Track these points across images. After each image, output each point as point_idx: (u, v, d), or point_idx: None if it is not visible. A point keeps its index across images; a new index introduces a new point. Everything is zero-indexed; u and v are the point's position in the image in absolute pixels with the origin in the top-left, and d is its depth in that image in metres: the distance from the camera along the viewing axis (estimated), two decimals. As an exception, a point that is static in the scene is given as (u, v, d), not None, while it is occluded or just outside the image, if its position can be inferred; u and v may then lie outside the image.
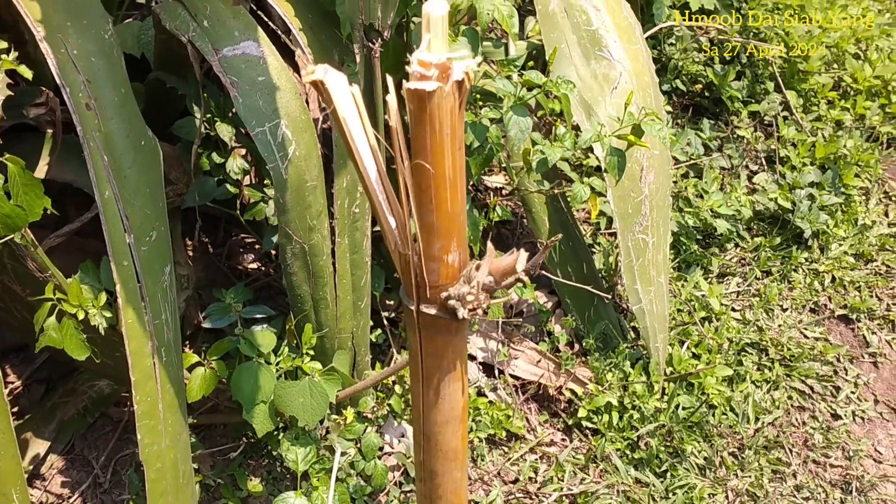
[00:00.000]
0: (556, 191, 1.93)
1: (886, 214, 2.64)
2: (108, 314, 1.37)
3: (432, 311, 0.57)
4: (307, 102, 1.70)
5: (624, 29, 2.05)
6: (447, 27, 0.54)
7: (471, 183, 2.07)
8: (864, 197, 2.66)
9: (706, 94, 2.90)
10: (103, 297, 1.37)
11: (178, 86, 1.70)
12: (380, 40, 1.13)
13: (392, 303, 2.03)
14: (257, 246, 2.22)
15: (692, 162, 2.63)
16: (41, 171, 1.75)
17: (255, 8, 1.62)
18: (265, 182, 1.72)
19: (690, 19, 2.87)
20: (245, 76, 1.45)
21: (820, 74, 2.86)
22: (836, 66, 2.96)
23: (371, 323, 1.86)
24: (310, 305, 1.68)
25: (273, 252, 1.79)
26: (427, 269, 0.55)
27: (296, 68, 1.71)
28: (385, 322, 1.98)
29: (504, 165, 1.91)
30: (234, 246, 2.24)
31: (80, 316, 1.33)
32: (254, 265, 2.24)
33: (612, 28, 2.02)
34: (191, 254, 2.15)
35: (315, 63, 1.50)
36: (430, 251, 0.54)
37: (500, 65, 1.87)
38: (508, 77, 1.83)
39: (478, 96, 1.80)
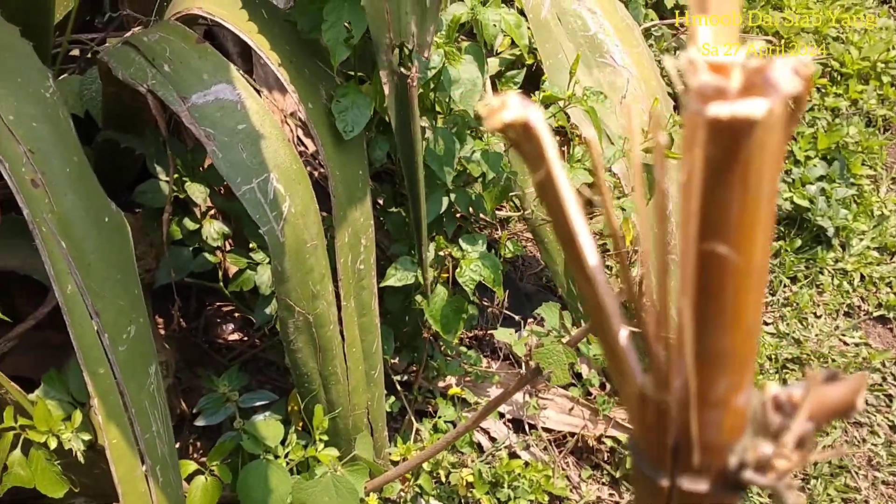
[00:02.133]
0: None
1: (900, 201, 2.48)
2: (86, 436, 1.10)
3: (702, 486, 0.35)
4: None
5: (623, 31, 1.85)
6: (740, 4, 0.31)
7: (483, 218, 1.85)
8: (874, 186, 2.50)
9: (690, 94, 2.72)
10: (78, 416, 1.11)
11: (135, 144, 1.45)
12: (416, 65, 0.90)
13: (402, 363, 1.79)
14: (237, 314, 1.96)
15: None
16: (-21, 260, 1.47)
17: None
18: (250, 245, 1.47)
19: (663, 18, 2.70)
20: (222, 126, 1.20)
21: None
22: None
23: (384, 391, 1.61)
24: (318, 383, 1.44)
25: (265, 326, 1.54)
26: (702, 420, 0.33)
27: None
28: (398, 387, 1.73)
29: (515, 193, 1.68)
30: (210, 317, 1.97)
31: (52, 444, 1.06)
32: (235, 336, 1.98)
33: (611, 31, 1.82)
34: (162, 332, 1.88)
35: (301, 101, 1.26)
36: (710, 393, 0.32)
37: (500, 82, 1.65)
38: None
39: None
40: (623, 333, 0.37)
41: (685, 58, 0.29)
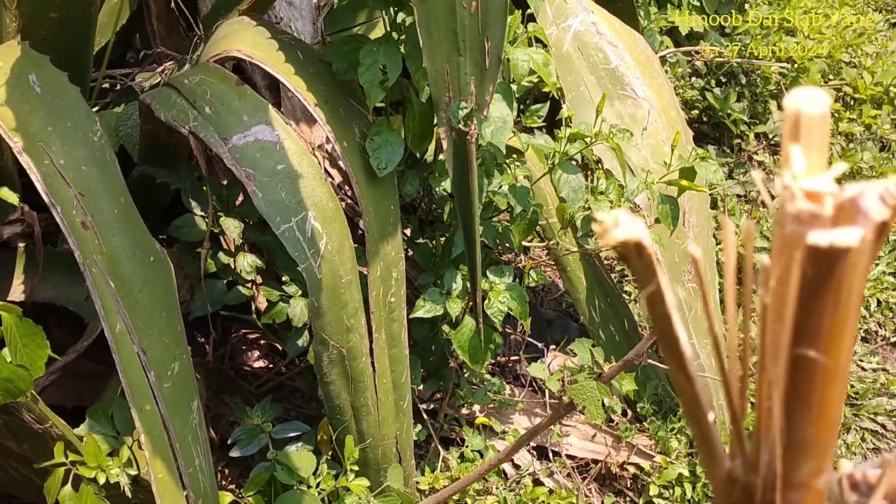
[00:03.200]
0: (602, 253, 1.74)
1: (914, 226, 2.51)
2: (132, 470, 1.13)
3: (785, 560, 0.38)
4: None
5: (643, 63, 1.88)
6: (828, 133, 0.34)
7: (513, 252, 1.88)
8: (889, 210, 2.52)
9: (704, 119, 2.76)
10: (125, 452, 1.13)
11: (171, 180, 1.48)
12: (475, 123, 0.93)
13: (427, 391, 1.82)
14: (262, 341, 1.99)
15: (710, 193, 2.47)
16: (16, 291, 1.51)
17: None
18: (282, 279, 1.50)
19: (677, 45, 2.74)
20: (262, 166, 1.24)
21: (821, 87, 2.74)
22: (832, 76, 2.85)
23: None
24: (350, 414, 1.46)
25: (297, 357, 1.57)
26: (786, 500, 0.36)
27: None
28: (424, 415, 1.76)
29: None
30: (236, 344, 2.00)
31: (101, 479, 1.09)
32: (260, 363, 2.01)
33: (632, 64, 1.86)
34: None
35: (337, 139, 1.30)
36: (794, 476, 0.35)
37: (524, 116, 1.68)
38: (533, 129, 1.65)
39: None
40: (712, 418, 0.40)
41: (780, 183, 0.33)
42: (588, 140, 1.44)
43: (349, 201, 1.83)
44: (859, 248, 0.31)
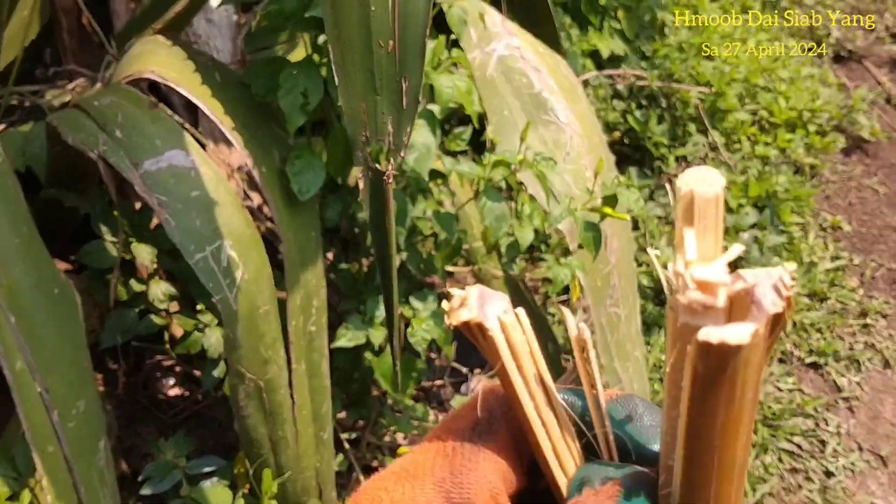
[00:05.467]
0: (527, 274, 1.73)
1: (827, 248, 2.58)
2: (33, 515, 1.07)
3: None
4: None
5: (567, 89, 1.89)
6: (722, 214, 0.33)
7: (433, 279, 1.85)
8: (803, 233, 2.59)
9: (626, 141, 2.79)
10: (26, 495, 1.07)
11: (80, 204, 1.42)
12: (392, 163, 0.90)
13: (350, 419, 1.78)
14: (178, 367, 1.92)
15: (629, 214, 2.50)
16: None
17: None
18: (197, 307, 1.45)
19: (599, 67, 2.77)
20: (175, 193, 1.19)
21: (738, 111, 2.81)
22: (748, 100, 2.92)
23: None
24: (268, 448, 1.42)
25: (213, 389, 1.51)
26: None
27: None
28: (346, 445, 1.72)
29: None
30: (150, 371, 1.93)
31: (-3, 528, 1.02)
32: (175, 391, 1.94)
33: (555, 89, 1.86)
34: (101, 389, 1.83)
35: (256, 165, 1.26)
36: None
37: (447, 140, 1.67)
38: (457, 153, 1.63)
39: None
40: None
41: (673, 268, 0.31)
42: (513, 167, 1.43)
43: (269, 225, 1.78)
44: (752, 343, 0.30)
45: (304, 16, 1.18)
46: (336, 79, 0.85)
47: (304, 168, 1.32)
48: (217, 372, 1.45)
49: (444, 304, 0.38)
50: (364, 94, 0.86)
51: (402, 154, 0.89)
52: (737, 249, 0.33)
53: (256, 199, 1.91)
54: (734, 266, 0.32)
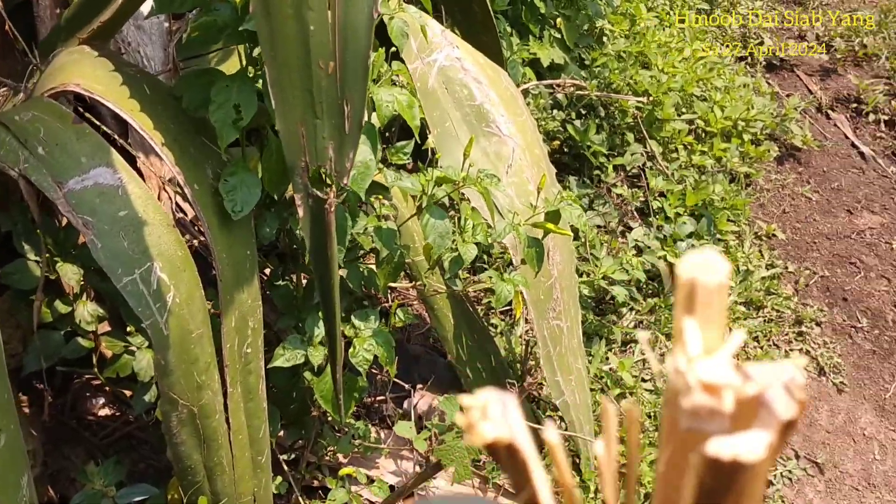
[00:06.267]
0: (470, 289, 1.71)
1: (762, 256, 2.62)
2: (-53, 561, 1.00)
3: None
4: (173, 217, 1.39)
5: (508, 101, 1.87)
6: (726, 303, 0.30)
7: (378, 295, 1.81)
8: (738, 241, 2.63)
9: (566, 149, 2.79)
10: (-62, 541, 1.00)
11: (1, 222, 1.34)
12: (333, 190, 0.86)
13: (288, 439, 1.73)
14: (107, 388, 1.85)
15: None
16: None
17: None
18: (127, 329, 1.38)
19: (539, 76, 2.77)
20: (102, 213, 1.13)
21: (675, 121, 2.83)
22: (684, 109, 2.95)
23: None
24: (203, 475, 1.36)
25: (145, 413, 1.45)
26: None
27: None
28: (284, 466, 1.67)
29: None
30: (79, 391, 1.85)
31: None
32: (105, 411, 1.86)
33: (496, 101, 1.84)
34: (27, 411, 1.74)
35: (187, 182, 1.21)
36: None
37: (389, 152, 1.63)
38: (398, 167, 1.60)
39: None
40: None
41: (676, 365, 0.28)
42: (456, 183, 1.40)
43: (203, 239, 1.73)
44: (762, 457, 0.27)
45: (237, 28, 1.14)
46: (272, 101, 0.81)
47: (237, 185, 1.27)
48: (148, 396, 1.39)
49: (459, 418, 0.33)
50: (303, 117, 0.82)
51: (344, 181, 0.85)
52: (738, 338, 0.30)
53: (190, 211, 1.85)
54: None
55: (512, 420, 0.31)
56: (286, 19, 0.77)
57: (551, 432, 0.34)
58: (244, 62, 1.27)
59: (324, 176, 0.85)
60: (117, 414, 1.83)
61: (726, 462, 0.26)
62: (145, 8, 1.61)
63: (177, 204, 1.83)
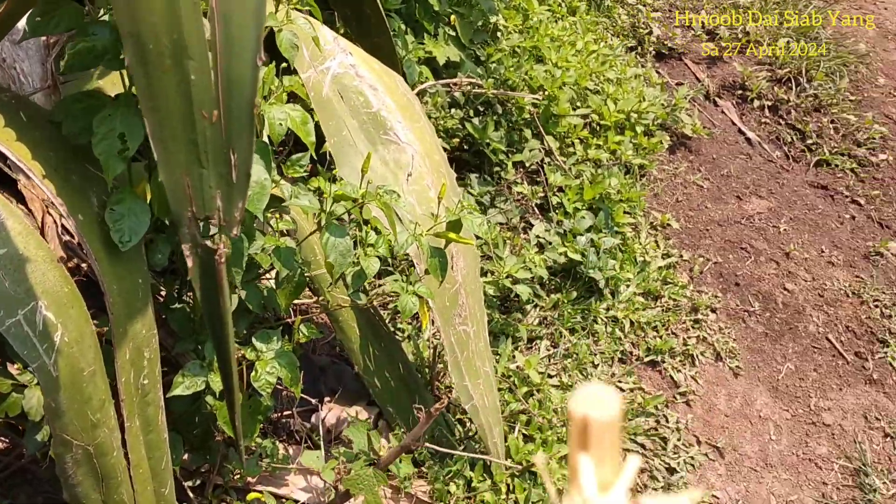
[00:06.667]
0: (374, 294, 1.69)
1: (658, 246, 2.69)
2: None
3: None
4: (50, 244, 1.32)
5: (405, 107, 1.86)
6: (619, 436, 0.30)
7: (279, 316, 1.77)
8: (635, 233, 2.69)
9: (465, 146, 2.80)
10: None
11: None
12: (224, 241, 0.82)
13: (193, 464, 1.68)
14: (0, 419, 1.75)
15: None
16: None
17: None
18: (16, 365, 1.31)
19: (436, 73, 2.76)
20: (-22, 253, 1.06)
21: (570, 116, 2.87)
22: (579, 103, 2.99)
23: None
24: (103, 513, 1.31)
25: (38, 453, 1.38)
26: None
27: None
28: (190, 494, 1.62)
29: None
30: (-35, 427, 1.75)
31: None
32: (-3, 445, 1.77)
33: (393, 107, 1.82)
34: None
35: (70, 213, 1.15)
36: None
37: (285, 166, 1.59)
38: (294, 180, 1.57)
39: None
40: None
41: None
42: (356, 201, 1.38)
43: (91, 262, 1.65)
44: None
45: (118, 55, 1.08)
46: (154, 152, 0.77)
47: (125, 213, 1.22)
48: (40, 436, 1.33)
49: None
50: (187, 166, 0.79)
51: (234, 232, 0.82)
52: (634, 465, 0.30)
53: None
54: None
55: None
56: (165, 70, 0.73)
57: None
58: (127, 84, 1.22)
59: (210, 229, 0.81)
60: (11, 447, 1.74)
61: None
62: (22, 23, 1.53)
63: (62, 226, 1.75)
